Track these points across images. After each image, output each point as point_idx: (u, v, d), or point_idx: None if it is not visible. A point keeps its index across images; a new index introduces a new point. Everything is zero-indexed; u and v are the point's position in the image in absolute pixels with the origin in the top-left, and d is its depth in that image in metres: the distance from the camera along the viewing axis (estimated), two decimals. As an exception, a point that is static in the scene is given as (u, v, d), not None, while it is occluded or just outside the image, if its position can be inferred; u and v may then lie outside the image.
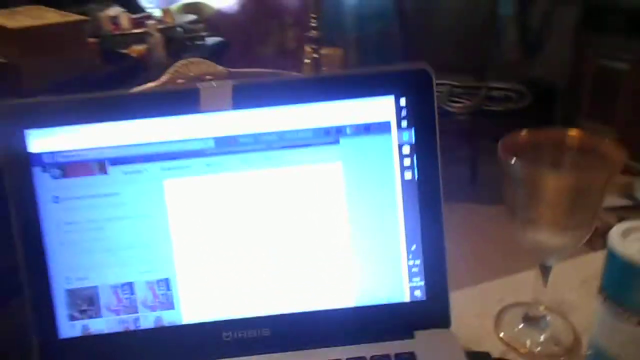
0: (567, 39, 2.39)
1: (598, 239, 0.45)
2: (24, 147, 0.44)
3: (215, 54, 1.70)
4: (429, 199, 0.47)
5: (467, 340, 0.49)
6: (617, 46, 2.18)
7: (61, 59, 1.08)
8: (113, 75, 1.26)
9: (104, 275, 0.46)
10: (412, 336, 0.46)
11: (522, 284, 0.54)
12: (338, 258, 0.47)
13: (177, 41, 1.53)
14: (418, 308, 0.47)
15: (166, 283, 0.46)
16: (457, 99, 1.98)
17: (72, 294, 0.45)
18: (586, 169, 0.42)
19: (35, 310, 0.45)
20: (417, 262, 0.47)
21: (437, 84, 0.46)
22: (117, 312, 0.46)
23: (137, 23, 1.56)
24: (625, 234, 0.38)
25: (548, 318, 0.52)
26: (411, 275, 0.47)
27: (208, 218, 0.46)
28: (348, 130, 0.46)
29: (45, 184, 0.45)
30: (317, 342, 0.46)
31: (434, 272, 0.47)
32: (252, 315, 0.47)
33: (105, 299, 0.46)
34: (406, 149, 0.46)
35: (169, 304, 0.46)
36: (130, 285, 0.46)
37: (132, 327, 0.46)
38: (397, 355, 0.45)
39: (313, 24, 1.54)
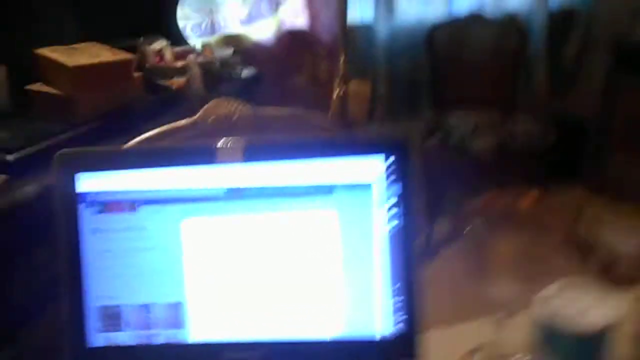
0: (599, 78, 2.40)
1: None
2: (74, 187, 0.55)
3: (248, 87, 1.83)
4: (408, 246, 0.54)
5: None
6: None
7: (110, 92, 1.22)
8: (154, 107, 1.39)
9: (128, 296, 0.55)
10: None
11: (489, 328, 0.60)
12: (325, 294, 0.55)
13: (214, 75, 1.66)
14: (392, 344, 0.54)
15: (178, 306, 0.55)
16: (480, 134, 2.02)
17: (101, 310, 0.55)
18: (536, 233, 0.48)
19: (70, 322, 0.54)
20: (396, 300, 0.54)
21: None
22: (135, 328, 0.55)
23: (180, 56, 1.70)
24: (555, 294, 0.44)
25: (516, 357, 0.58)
26: (389, 313, 0.54)
27: (217, 252, 0.55)
28: (341, 184, 0.54)
29: (87, 218, 0.55)
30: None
31: (410, 311, 0.54)
32: (250, 339, 0.55)
33: (127, 316, 0.55)
34: (390, 202, 0.54)
35: (179, 324, 0.55)
36: (148, 306, 0.55)
37: (147, 342, 0.55)
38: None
39: (341, 60, 1.63)
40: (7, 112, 1.26)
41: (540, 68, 2.42)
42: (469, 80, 2.28)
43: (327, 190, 0.54)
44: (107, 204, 0.55)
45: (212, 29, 2.25)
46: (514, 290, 0.48)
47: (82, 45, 1.31)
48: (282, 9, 2.23)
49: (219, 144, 0.55)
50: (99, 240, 0.55)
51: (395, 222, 0.54)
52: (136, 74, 1.38)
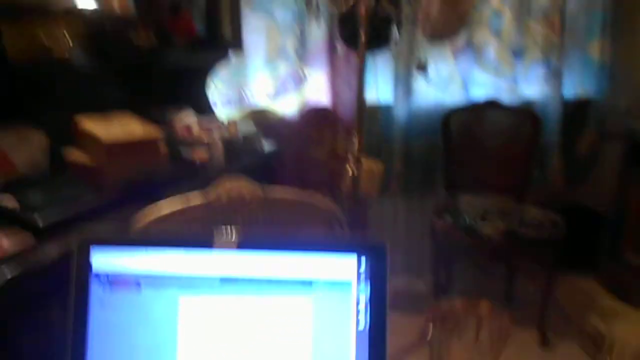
0: (613, 169, 2.42)
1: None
2: (90, 262, 0.62)
3: (268, 162, 1.94)
4: (380, 342, 0.59)
5: None
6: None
7: (137, 165, 1.34)
8: (176, 176, 1.50)
9: (124, 366, 0.61)
10: None
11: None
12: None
13: (236, 151, 1.78)
14: None
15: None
16: (489, 219, 2.04)
17: (99, 377, 0.61)
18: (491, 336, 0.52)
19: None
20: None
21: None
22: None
23: (206, 130, 1.83)
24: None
25: None
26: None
27: (207, 330, 0.62)
28: (320, 278, 0.61)
29: (97, 292, 0.62)
30: None
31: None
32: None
33: (122, 384, 0.60)
34: (362, 299, 0.60)
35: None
36: (141, 376, 0.60)
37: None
38: None
39: (356, 141, 1.71)
40: (45, 175, 1.39)
41: (555, 157, 2.44)
42: (483, 165, 2.32)
43: (308, 281, 0.61)
44: (115, 281, 0.62)
45: (241, 101, 2.42)
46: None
47: (117, 115, 1.45)
48: (307, 86, 2.39)
49: (216, 233, 0.62)
50: (104, 312, 0.62)
51: (366, 320, 0.59)
52: (162, 149, 1.50)
